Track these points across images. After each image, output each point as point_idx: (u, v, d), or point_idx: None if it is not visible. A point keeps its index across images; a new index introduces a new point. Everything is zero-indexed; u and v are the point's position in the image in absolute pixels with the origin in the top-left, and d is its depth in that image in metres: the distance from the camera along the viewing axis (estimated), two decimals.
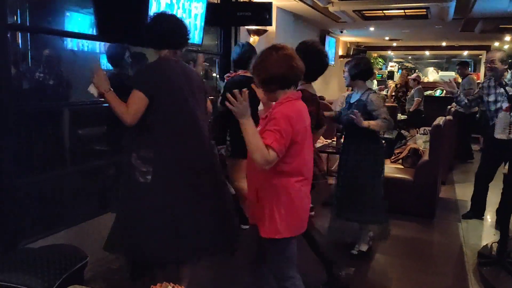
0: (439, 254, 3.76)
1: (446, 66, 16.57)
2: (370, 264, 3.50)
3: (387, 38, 11.75)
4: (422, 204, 4.55)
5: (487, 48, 12.59)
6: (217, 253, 2.60)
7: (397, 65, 15.01)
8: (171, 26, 2.37)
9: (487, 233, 4.24)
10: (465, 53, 13.85)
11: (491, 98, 4.16)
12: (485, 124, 4.38)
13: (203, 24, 3.96)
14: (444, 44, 12.74)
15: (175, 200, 2.33)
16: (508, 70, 4.13)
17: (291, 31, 7.26)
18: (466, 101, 4.36)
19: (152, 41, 2.41)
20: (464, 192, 5.47)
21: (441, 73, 13.57)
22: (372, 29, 9.49)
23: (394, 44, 13.03)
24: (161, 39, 2.37)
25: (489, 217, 4.56)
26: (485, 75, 11.80)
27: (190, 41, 2.49)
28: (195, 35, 3.90)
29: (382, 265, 3.53)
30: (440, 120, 4.84)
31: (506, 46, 12.14)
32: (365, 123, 3.11)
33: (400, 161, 5.23)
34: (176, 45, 2.41)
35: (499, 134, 3.08)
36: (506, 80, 3.98)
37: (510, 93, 2.96)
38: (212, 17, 4.15)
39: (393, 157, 5.39)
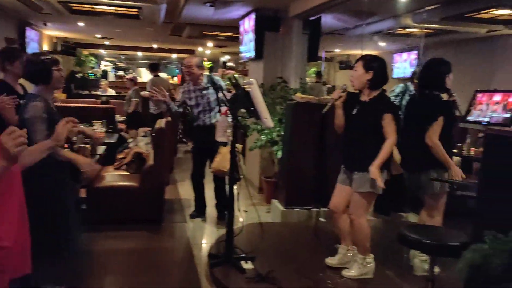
0: (171, 261, 3.68)
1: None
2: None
3: (98, 35, 11.21)
4: (150, 210, 4.41)
5: (193, 52, 13.76)
6: None
7: (111, 64, 14.66)
8: None
9: (210, 230, 4.45)
10: (174, 56, 14.74)
11: (193, 102, 4.41)
12: (190, 127, 4.62)
13: None
14: (155, 46, 13.17)
15: None
16: (203, 75, 4.46)
17: None
18: (176, 108, 4.47)
19: None
20: (186, 190, 5.66)
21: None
22: (81, 24, 8.80)
23: (107, 42, 12.60)
24: None
25: (210, 213, 4.81)
26: (183, 79, 12.86)
27: None
28: None
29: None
30: (161, 123, 4.81)
31: (208, 52, 13.56)
32: None
33: (125, 167, 4.94)
34: None
35: (220, 138, 3.21)
36: (203, 84, 4.34)
37: (227, 97, 3.11)
38: None
39: (116, 163, 5.04)
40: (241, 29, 6.44)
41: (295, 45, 5.56)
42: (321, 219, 4.55)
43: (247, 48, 6.17)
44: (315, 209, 4.58)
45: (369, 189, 3.00)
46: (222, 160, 3.85)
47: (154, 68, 8.12)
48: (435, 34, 7.63)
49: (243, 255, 3.37)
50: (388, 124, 2.93)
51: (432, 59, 3.37)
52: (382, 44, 9.43)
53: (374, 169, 2.87)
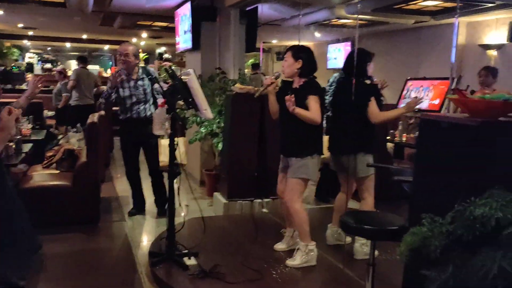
0: (109, 262, 3.49)
1: (90, 59, 16.56)
2: None
3: (21, 25, 10.42)
4: (85, 209, 4.16)
5: None
6: None
7: (36, 56, 13.74)
8: None
9: (151, 227, 4.30)
10: (106, 47, 14.10)
11: (126, 93, 4.21)
12: (120, 119, 4.41)
13: None
14: (85, 36, 12.49)
15: None
16: (139, 65, 4.29)
17: None
18: (113, 97, 4.26)
19: None
20: (123, 187, 5.42)
21: (88, 66, 13.31)
22: (0, 13, 8.12)
23: (31, 33, 11.75)
24: None
25: (150, 209, 4.64)
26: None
27: None
28: None
29: None
30: (94, 117, 4.54)
31: (142, 43, 13.10)
32: None
33: (55, 165, 4.63)
34: None
35: (158, 131, 3.07)
36: (139, 74, 4.22)
37: (164, 89, 2.97)
38: None
39: (45, 162, 4.71)
40: (177, 19, 6.25)
41: (232, 35, 5.47)
42: (264, 210, 4.55)
43: (184, 39, 6.00)
44: (258, 200, 4.56)
45: (302, 175, 3.11)
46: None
47: (83, 60, 7.86)
48: (367, 25, 7.88)
49: (185, 251, 3.27)
50: (311, 104, 3.04)
51: (354, 50, 3.56)
52: (318, 35, 9.60)
53: (295, 107, 2.96)
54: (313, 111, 3.04)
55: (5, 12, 8.12)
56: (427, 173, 1.93)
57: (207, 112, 2.98)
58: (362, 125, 3.24)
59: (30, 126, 5.28)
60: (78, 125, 5.55)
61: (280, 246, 3.45)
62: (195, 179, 5.84)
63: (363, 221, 2.28)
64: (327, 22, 7.56)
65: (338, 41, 10.14)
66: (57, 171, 4.49)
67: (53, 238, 3.79)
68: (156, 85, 3.98)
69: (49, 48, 16.30)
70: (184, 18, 5.85)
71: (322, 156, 3.27)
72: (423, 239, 1.65)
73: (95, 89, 7.80)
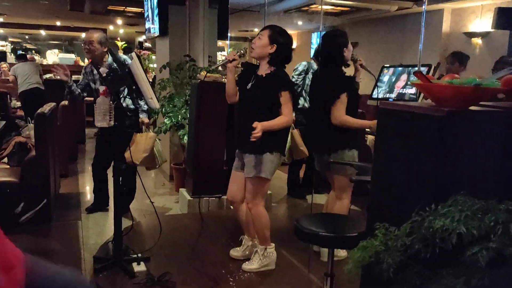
0: None
1: (72, 49, 16.07)
2: None
3: None
4: (34, 208, 3.81)
5: (104, 32, 12.73)
6: None
7: (10, 45, 13.25)
8: None
9: (109, 228, 3.96)
10: (83, 34, 13.63)
11: (97, 85, 3.85)
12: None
13: None
14: (58, 23, 11.99)
15: None
16: (108, 53, 3.90)
17: None
18: (79, 91, 3.90)
19: None
20: (89, 183, 5.10)
21: (61, 55, 12.86)
22: None
23: (0, 19, 11.24)
24: None
25: (113, 207, 4.30)
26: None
27: None
28: None
29: None
30: (46, 108, 4.19)
31: (121, 31, 12.64)
32: None
33: (6, 159, 4.29)
34: None
35: (100, 122, 2.75)
36: (108, 62, 3.79)
37: (104, 75, 2.64)
38: None
39: None
40: (145, 2, 5.87)
41: (202, 20, 5.13)
42: (232, 207, 4.25)
43: (153, 25, 5.63)
44: (225, 197, 4.26)
45: (258, 173, 2.74)
46: (136, 150, 3.43)
47: (21, 57, 8.28)
48: (350, 12, 7.58)
49: (135, 256, 2.97)
50: (285, 103, 2.70)
51: (328, 32, 3.09)
52: (300, 23, 9.27)
53: (259, 125, 2.56)
54: (285, 112, 2.69)
55: None
56: (387, 173, 1.64)
57: (153, 101, 2.66)
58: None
59: None
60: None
61: (235, 253, 3.13)
62: (165, 173, 5.53)
63: (319, 226, 1.99)
64: (307, 8, 7.23)
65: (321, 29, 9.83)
66: (7, 166, 4.15)
67: None
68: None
69: (27, 37, 15.77)
70: (151, 2, 5.48)
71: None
72: (375, 254, 1.36)
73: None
